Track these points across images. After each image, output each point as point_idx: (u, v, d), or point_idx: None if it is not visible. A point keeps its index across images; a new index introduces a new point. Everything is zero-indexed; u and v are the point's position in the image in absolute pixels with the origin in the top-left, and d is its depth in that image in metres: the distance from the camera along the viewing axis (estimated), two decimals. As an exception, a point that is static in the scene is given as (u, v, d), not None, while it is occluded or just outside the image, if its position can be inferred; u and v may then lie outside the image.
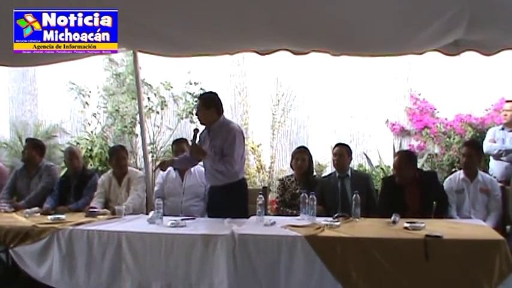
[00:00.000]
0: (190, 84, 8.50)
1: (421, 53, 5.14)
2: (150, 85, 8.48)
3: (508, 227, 5.12)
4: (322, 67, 8.27)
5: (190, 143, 5.11)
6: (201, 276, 4.18)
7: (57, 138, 9.20)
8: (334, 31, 4.29)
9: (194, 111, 8.05)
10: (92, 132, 8.88)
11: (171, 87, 8.59)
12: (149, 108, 8.43)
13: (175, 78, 8.57)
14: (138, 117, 7.32)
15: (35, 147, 6.19)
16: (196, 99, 8.32)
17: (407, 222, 4.26)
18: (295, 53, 5.12)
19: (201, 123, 5.15)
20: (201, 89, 8.36)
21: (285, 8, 3.88)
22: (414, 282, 3.83)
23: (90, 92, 8.89)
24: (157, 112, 8.59)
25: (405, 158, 5.21)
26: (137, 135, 8.53)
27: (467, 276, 3.75)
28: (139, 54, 5.96)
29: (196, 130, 5.06)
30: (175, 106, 8.69)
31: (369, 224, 4.60)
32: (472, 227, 4.43)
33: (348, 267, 3.92)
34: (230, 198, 4.99)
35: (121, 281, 4.37)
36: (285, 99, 8.50)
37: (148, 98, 8.46)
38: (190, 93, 8.51)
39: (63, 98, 9.13)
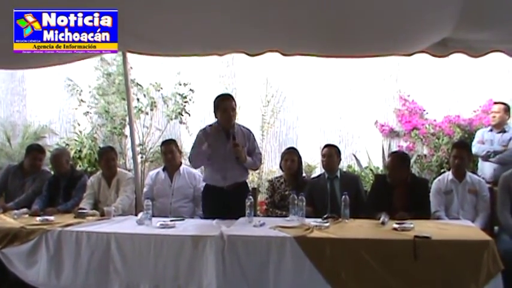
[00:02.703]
0: (180, 85, 8.46)
1: (410, 55, 5.15)
2: (140, 86, 8.45)
3: (496, 228, 5.14)
4: (312, 68, 8.28)
5: (232, 145, 5.02)
6: (189, 277, 4.18)
7: (46, 139, 9.14)
8: (323, 31, 4.30)
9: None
10: (81, 133, 8.84)
11: (161, 88, 8.54)
12: (139, 109, 8.38)
13: (165, 79, 8.53)
14: (127, 118, 7.28)
15: (43, 155, 6.19)
16: (185, 99, 8.37)
17: (396, 223, 4.30)
18: (284, 54, 5.12)
19: (227, 125, 5.12)
20: (190, 89, 8.35)
21: (273, 8, 3.88)
22: (403, 283, 3.84)
23: (81, 90, 8.82)
24: (147, 113, 8.54)
25: (398, 160, 5.24)
26: (126, 136, 8.48)
27: (455, 277, 3.78)
28: (130, 55, 5.95)
29: (233, 135, 5.06)
30: (164, 107, 8.65)
31: (358, 224, 4.61)
32: (460, 227, 4.46)
33: (337, 267, 3.94)
34: (244, 197, 5.03)
35: (109, 283, 4.36)
36: (275, 100, 8.51)
37: (138, 99, 8.42)
38: (179, 94, 8.47)
39: (52, 99, 9.09)
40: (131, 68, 6.18)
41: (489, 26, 4.24)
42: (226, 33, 4.53)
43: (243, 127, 5.34)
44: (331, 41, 4.61)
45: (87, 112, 8.75)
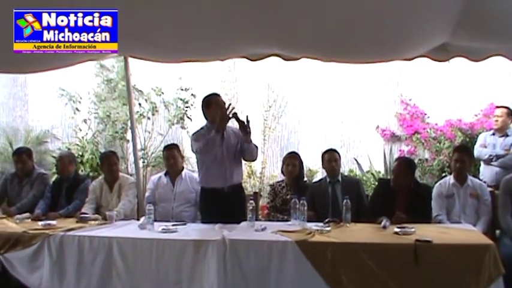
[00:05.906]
0: (182, 90, 8.49)
1: (410, 59, 5.17)
2: (141, 91, 8.47)
3: (497, 232, 5.15)
4: (313, 73, 8.29)
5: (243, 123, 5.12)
6: (191, 281, 4.18)
7: (48, 144, 9.15)
8: (324, 37, 4.30)
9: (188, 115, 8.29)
10: (83, 138, 8.84)
11: (162, 93, 8.58)
12: (140, 114, 8.41)
13: (166, 84, 8.56)
14: (129, 123, 7.30)
15: (29, 156, 6.15)
16: (187, 104, 8.40)
17: (398, 227, 4.30)
18: (285, 59, 5.13)
19: (225, 125, 5.09)
20: (192, 94, 8.36)
21: (275, 13, 3.88)
22: (404, 287, 3.85)
23: (81, 98, 8.85)
24: (149, 118, 8.58)
25: (405, 166, 5.25)
26: (128, 140, 8.50)
27: (456, 281, 3.78)
28: (130, 60, 5.96)
29: (235, 113, 5.09)
30: (166, 112, 8.67)
31: (360, 229, 4.62)
32: (461, 231, 4.46)
33: (339, 272, 3.94)
34: (242, 199, 5.20)
35: (111, 287, 4.37)
36: (276, 104, 8.51)
37: (140, 104, 8.45)
38: (181, 99, 8.49)
39: (54, 104, 9.09)
40: (131, 74, 6.18)
41: (489, 32, 4.23)
42: (228, 37, 4.53)
43: (232, 127, 5.34)
44: (333, 47, 4.60)
45: (86, 119, 8.80)
